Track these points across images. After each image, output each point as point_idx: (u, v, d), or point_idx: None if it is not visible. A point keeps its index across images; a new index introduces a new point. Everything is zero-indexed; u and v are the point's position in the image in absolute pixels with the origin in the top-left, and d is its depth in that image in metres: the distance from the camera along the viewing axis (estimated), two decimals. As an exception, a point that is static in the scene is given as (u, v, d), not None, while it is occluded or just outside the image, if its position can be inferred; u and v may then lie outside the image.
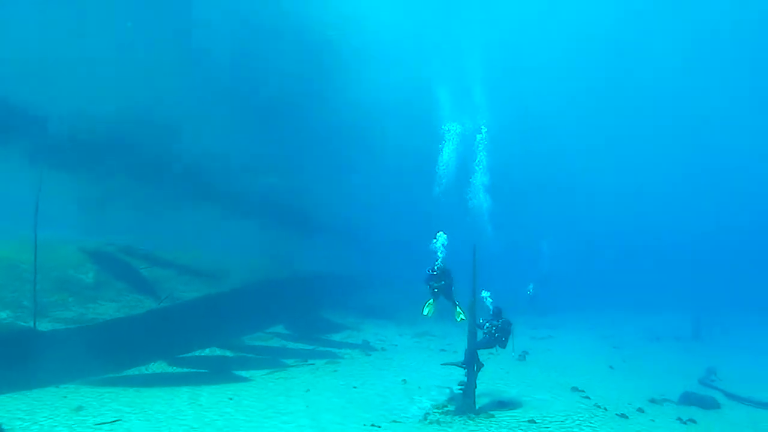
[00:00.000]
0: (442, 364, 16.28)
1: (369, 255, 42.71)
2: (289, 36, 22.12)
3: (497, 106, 32.76)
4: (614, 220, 68.03)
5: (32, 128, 18.79)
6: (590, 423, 13.15)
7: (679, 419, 14.49)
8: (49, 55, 17.85)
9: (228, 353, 19.58)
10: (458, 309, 15.20)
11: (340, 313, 30.14)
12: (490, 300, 14.83)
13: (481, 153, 24.85)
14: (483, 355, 14.09)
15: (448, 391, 15.81)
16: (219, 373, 16.69)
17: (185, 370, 16.87)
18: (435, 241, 15.18)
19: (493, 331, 14.08)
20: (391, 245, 43.11)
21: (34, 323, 15.17)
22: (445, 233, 15.18)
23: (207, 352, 19.36)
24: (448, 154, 23.56)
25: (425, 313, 15.12)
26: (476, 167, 23.89)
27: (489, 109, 30.20)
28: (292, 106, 26.10)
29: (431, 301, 15.17)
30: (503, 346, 14.31)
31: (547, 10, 30.81)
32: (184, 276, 23.85)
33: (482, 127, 24.78)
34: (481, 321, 14.39)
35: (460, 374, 14.75)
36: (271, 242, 33.73)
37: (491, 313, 14.35)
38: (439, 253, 15.15)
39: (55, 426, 10.48)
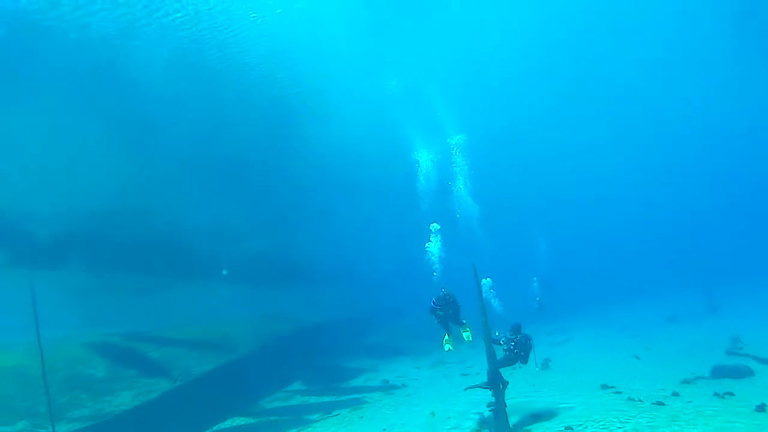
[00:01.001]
0: (465, 389, 16.02)
1: (370, 293, 42.58)
2: (253, 99, 22.22)
3: (478, 113, 33.03)
4: (614, 208, 68.10)
5: (15, 234, 18.70)
6: (628, 418, 12.86)
7: (716, 394, 14.25)
8: (18, 161, 17.83)
9: (250, 420, 19.21)
10: (466, 328, 14.95)
11: (353, 357, 29.87)
12: (493, 291, 14.65)
13: (459, 160, 24.94)
14: (505, 371, 13.84)
15: (478, 416, 15.48)
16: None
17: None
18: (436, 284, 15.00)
19: (512, 347, 13.89)
20: (389, 279, 43.05)
21: (53, 429, 14.81)
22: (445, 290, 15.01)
23: (228, 423, 18.99)
24: (423, 176, 23.67)
25: (447, 348, 14.83)
26: (457, 174, 23.95)
27: (465, 119, 30.45)
28: (264, 167, 26.15)
29: (446, 336, 14.89)
30: (524, 361, 14.10)
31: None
32: (193, 351, 23.54)
33: (456, 136, 24.93)
34: (497, 334, 14.19)
35: (487, 396, 14.47)
36: (270, 300, 33.57)
37: (510, 328, 14.15)
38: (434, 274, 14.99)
39: None
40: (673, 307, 35.11)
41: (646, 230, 72.93)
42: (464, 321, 14.96)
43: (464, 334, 14.99)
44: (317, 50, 22.00)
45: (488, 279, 15.10)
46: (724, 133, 52.01)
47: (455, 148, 27.72)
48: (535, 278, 34.85)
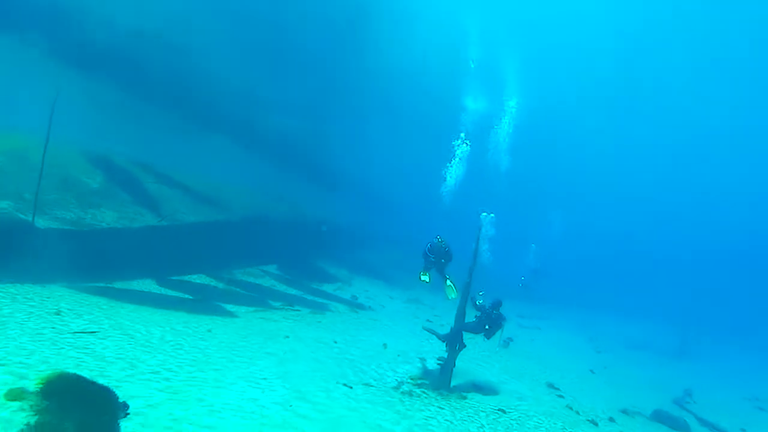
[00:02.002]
0: (423, 328, 16.22)
1: (376, 212, 42.64)
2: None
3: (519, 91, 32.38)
4: (622, 223, 67.82)
5: (59, 25, 18.47)
6: (556, 423, 13.09)
7: (648, 437, 14.50)
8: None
9: (218, 284, 19.56)
10: (449, 284, 15.02)
11: (334, 263, 30.16)
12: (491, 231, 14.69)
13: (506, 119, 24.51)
14: (467, 335, 14.01)
15: (427, 363, 15.76)
16: (204, 302, 16.64)
17: (172, 293, 16.80)
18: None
19: (483, 319, 14.00)
20: (399, 207, 43.07)
21: (33, 218, 15.06)
22: (440, 237, 14.95)
23: (196, 278, 19.35)
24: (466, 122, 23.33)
25: (423, 280, 14.97)
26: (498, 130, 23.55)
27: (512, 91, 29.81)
28: (321, 52, 25.65)
29: (424, 268, 15.01)
30: (488, 337, 14.23)
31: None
32: (188, 199, 23.73)
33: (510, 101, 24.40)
34: (481, 299, 14.27)
35: (441, 348, 14.68)
36: (280, 182, 33.64)
37: (490, 303, 14.19)
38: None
39: (35, 326, 10.41)
40: (649, 335, 35.35)
41: (652, 255, 72.62)
42: (448, 277, 15.03)
43: (448, 291, 15.07)
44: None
45: (492, 214, 14.95)
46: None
47: (506, 109, 27.17)
48: (533, 245, 34.88)
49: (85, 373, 8.13)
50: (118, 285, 15.95)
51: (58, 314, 11.46)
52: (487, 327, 14.07)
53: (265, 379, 10.90)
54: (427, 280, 14.91)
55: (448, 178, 19.58)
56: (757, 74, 38.15)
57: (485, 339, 14.41)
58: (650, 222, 67.28)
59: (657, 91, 41.36)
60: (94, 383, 7.39)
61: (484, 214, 14.89)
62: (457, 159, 18.89)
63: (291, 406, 9.78)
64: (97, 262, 15.92)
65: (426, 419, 10.96)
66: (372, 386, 12.50)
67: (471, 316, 14.20)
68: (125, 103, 26.48)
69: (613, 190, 60.19)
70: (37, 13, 18.79)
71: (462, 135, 18.46)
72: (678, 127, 46.00)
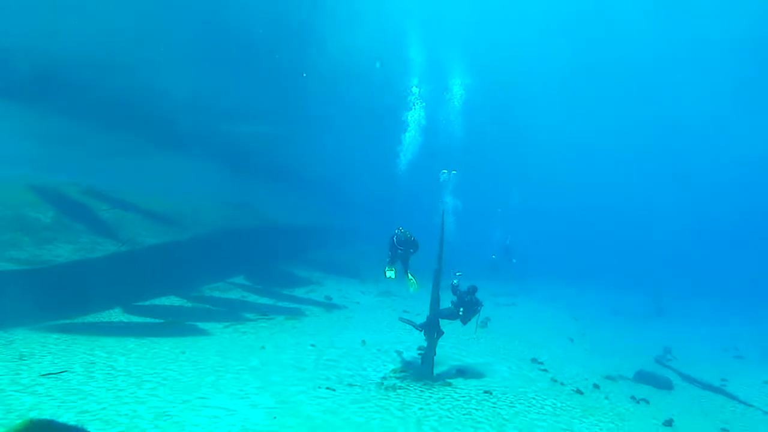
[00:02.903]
0: (400, 319, 16.12)
1: (340, 208, 42.50)
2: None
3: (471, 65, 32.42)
4: (590, 194, 68.64)
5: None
6: (545, 398, 13.14)
7: (633, 398, 14.62)
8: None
9: (186, 303, 19.23)
10: (411, 278, 14.92)
11: (304, 266, 29.92)
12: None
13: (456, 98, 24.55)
14: (444, 320, 13.97)
15: (407, 355, 15.69)
16: (175, 324, 16.29)
17: (141, 319, 16.42)
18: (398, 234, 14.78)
19: (458, 304, 13.98)
20: (359, 202, 42.96)
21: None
22: (403, 228, 14.82)
23: (165, 300, 18.98)
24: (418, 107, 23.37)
25: (388, 276, 14.81)
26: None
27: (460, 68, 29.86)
28: (265, 54, 25.35)
29: (391, 266, 14.84)
30: (464, 322, 14.21)
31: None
32: (146, 221, 23.15)
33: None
34: (456, 281, 14.23)
35: (420, 338, 14.62)
36: (240, 189, 33.23)
37: (465, 289, 14.15)
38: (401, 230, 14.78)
39: (-3, 373, 10.05)
40: (622, 300, 35.86)
41: (613, 217, 73.76)
42: (408, 270, 14.89)
43: (410, 284, 14.95)
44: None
45: (454, 171, 14.89)
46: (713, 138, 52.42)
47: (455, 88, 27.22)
48: (498, 210, 34.83)
49: (55, 414, 7.84)
50: (86, 318, 15.54)
51: (22, 359, 11.07)
52: (461, 312, 14.04)
53: (246, 394, 10.71)
54: (393, 276, 14.74)
55: (404, 150, 19.46)
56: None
57: (462, 324, 14.38)
58: (615, 193, 68.13)
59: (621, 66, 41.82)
60: (68, 426, 7.12)
61: (445, 171, 14.79)
62: (410, 129, 18.73)
63: (275, 417, 9.61)
64: (58, 298, 15.49)
65: (413, 413, 10.88)
66: (355, 386, 12.38)
67: (448, 302, 14.17)
68: (69, 130, 25.83)
69: (577, 164, 60.64)
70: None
71: (414, 89, 18.21)
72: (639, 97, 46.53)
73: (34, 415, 8.22)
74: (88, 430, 7.15)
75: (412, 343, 17.04)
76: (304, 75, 28.06)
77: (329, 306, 22.69)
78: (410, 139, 19.94)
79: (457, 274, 14.46)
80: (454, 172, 15.03)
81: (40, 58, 19.77)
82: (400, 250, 14.48)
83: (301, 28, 25.10)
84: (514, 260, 32.52)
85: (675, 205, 65.49)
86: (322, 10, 24.70)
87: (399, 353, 15.92)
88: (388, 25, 28.72)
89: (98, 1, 18.77)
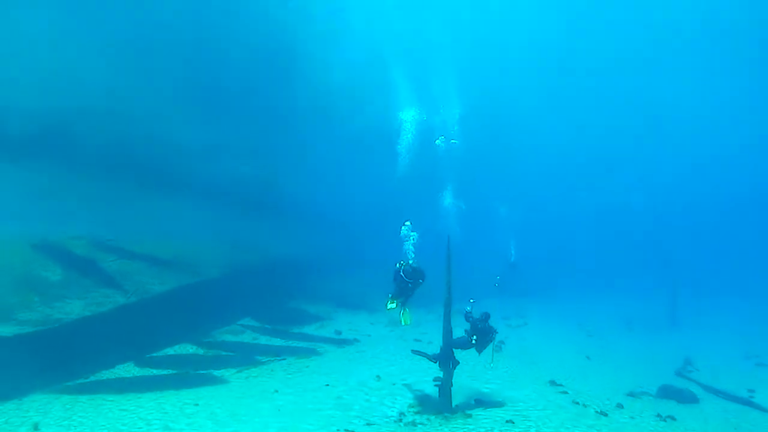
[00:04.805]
0: (412, 351, 15.90)
1: (338, 240, 42.36)
2: (247, 16, 21.49)
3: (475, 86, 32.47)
4: (585, 200, 67.90)
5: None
6: (569, 423, 12.90)
7: (659, 416, 14.33)
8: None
9: (199, 350, 19.02)
10: (406, 312, 14.78)
11: (311, 300, 29.69)
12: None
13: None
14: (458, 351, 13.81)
15: (423, 387, 15.49)
16: (188, 374, 16.14)
17: (154, 372, 16.25)
18: (405, 231, 14.73)
19: (471, 333, 13.82)
20: (359, 229, 42.79)
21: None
22: (410, 222, 14.74)
23: (177, 349, 18.79)
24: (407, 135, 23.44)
25: (389, 308, 14.69)
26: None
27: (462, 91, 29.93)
28: (249, 89, 25.55)
29: (393, 295, 14.70)
30: (479, 351, 14.04)
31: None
32: (152, 268, 23.25)
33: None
34: (470, 308, 14.08)
35: (435, 369, 14.41)
36: (238, 229, 33.20)
37: (478, 316, 13.98)
38: (410, 248, 14.71)
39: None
40: (635, 310, 35.32)
41: (618, 223, 72.91)
42: (407, 306, 14.78)
43: (402, 318, 14.82)
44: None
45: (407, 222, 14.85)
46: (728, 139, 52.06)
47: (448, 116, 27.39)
48: (512, 240, 34.56)
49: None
50: (100, 376, 15.37)
51: (37, 429, 10.92)
52: (474, 341, 13.86)
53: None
54: (395, 307, 14.62)
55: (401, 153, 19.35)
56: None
57: (477, 353, 14.21)
58: (614, 198, 67.37)
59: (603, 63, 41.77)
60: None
61: (442, 137, 14.60)
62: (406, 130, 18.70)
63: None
64: (72, 356, 15.40)
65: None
66: (373, 424, 12.20)
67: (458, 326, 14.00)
68: (68, 182, 25.95)
69: (580, 166, 60.00)
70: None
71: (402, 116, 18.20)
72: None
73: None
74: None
75: (426, 374, 16.80)
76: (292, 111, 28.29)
77: (340, 341, 22.49)
78: (404, 162, 19.89)
79: (471, 301, 14.32)
80: (454, 141, 14.83)
81: (38, 114, 19.93)
82: (410, 283, 14.33)
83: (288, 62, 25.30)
84: (498, 278, 32.16)
85: (688, 203, 64.71)
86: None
87: (414, 386, 15.73)
88: (372, 50, 28.81)
89: (91, 56, 18.93)
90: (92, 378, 15.16)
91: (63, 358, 14.99)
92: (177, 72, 22.24)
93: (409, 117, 26.48)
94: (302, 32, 23.22)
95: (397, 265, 14.47)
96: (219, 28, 21.62)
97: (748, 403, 16.78)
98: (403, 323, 14.95)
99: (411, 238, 14.91)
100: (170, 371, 16.36)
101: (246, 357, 18.61)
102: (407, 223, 15.04)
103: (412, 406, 13.72)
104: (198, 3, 19.78)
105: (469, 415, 13.07)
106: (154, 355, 17.85)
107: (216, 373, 16.28)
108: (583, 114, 48.81)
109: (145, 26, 19.35)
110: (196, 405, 12.99)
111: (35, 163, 21.54)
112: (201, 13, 20.40)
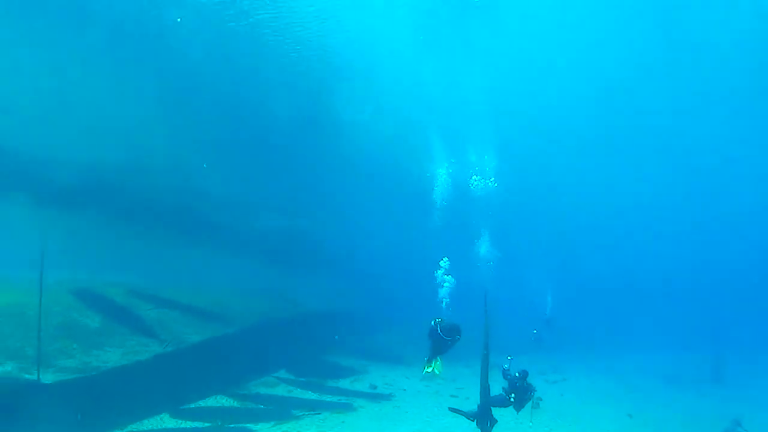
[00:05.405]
0: (449, 409, 15.57)
1: (372, 293, 42.24)
2: (289, 74, 22.01)
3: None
4: (623, 252, 66.74)
5: (36, 175, 18.67)
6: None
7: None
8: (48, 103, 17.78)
9: (234, 403, 18.98)
10: (438, 362, 14.42)
11: (345, 354, 29.51)
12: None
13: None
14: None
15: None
16: (224, 428, 16.06)
17: (190, 424, 16.25)
18: (440, 274, 14.55)
19: (509, 391, 13.56)
20: (394, 282, 42.64)
21: (38, 376, 14.65)
22: (448, 259, 14.58)
23: (211, 401, 18.78)
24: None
25: (426, 371, 14.24)
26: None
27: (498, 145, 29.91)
28: (287, 145, 26.00)
29: (430, 357, 14.33)
30: (517, 409, 13.73)
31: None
32: (188, 317, 23.34)
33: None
34: (508, 366, 13.83)
35: (472, 427, 14.09)
36: (278, 280, 33.41)
37: (517, 374, 13.73)
38: (445, 296, 14.54)
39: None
40: (679, 365, 34.28)
41: (659, 277, 71.36)
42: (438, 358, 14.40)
43: (426, 367, 14.38)
44: (366, 37, 21.55)
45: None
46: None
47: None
48: (549, 298, 34.04)
49: None
50: (133, 428, 15.39)
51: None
52: (512, 399, 13.59)
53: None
54: (437, 372, 14.22)
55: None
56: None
57: (516, 412, 13.90)
58: (650, 250, 65.94)
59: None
60: None
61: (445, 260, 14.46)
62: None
63: None
64: (109, 405, 15.45)
65: None
66: (415, 487, 11.94)
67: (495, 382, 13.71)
68: (109, 231, 26.55)
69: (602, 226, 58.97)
70: (18, 173, 19.06)
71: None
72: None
73: None
74: None
75: (463, 427, 16.46)
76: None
77: (375, 396, 22.23)
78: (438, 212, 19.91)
79: (508, 358, 14.08)
80: (491, 181, 14.57)
81: (86, 167, 20.57)
82: (448, 341, 14.08)
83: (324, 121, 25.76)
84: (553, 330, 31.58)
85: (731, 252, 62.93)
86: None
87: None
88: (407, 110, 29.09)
89: (138, 113, 19.55)
90: (128, 429, 15.20)
91: (100, 407, 15.03)
92: (218, 129, 22.77)
93: (443, 170, 26.69)
94: (339, 90, 23.53)
95: (433, 322, 14.23)
96: (263, 89, 22.11)
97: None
98: (436, 372, 14.61)
99: (446, 283, 14.78)
100: (205, 424, 16.32)
101: (281, 411, 18.49)
102: (445, 259, 14.90)
103: (451, 467, 13.44)
104: (241, 63, 20.26)
105: (511, 478, 12.74)
106: (188, 407, 17.85)
107: (252, 427, 16.17)
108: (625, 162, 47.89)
109: (190, 84, 19.88)
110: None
111: (79, 212, 22.13)
112: (244, 74, 20.90)
